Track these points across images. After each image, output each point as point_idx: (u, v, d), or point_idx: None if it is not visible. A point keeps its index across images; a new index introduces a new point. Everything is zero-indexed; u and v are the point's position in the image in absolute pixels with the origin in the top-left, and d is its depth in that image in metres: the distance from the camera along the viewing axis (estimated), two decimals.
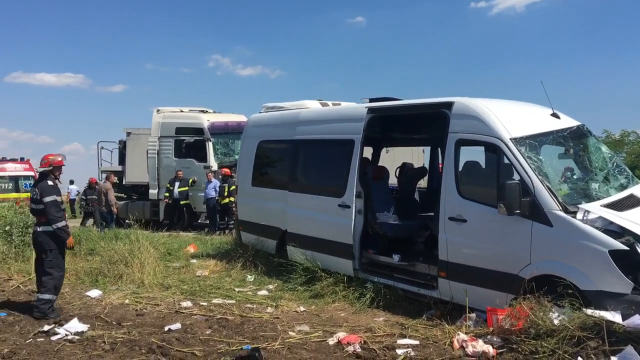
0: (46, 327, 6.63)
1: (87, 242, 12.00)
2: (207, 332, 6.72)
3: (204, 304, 8.09)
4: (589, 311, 5.44)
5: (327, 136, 8.98)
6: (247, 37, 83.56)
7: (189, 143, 19.17)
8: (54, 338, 6.33)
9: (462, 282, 6.86)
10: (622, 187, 6.69)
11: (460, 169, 7.07)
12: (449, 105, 7.20)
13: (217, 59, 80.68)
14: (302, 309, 7.80)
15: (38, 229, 7.44)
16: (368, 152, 10.79)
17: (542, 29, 73.03)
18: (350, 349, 5.99)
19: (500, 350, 5.65)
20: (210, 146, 18.63)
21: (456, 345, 5.96)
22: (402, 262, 8.05)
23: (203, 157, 18.69)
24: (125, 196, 21.72)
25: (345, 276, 8.43)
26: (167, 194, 18.62)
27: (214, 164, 18.42)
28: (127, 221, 19.17)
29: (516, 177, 6.33)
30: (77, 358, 5.59)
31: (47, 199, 7.31)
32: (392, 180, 10.05)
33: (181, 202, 18.49)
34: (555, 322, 5.57)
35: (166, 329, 6.80)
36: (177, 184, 18.44)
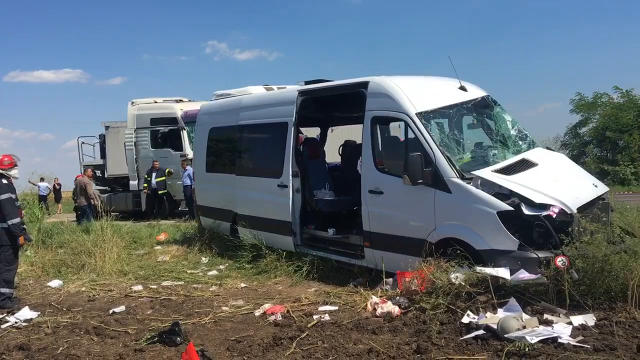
0: None
1: (57, 235, 12.48)
2: (148, 312, 7.22)
3: (154, 287, 8.60)
4: (479, 269, 5.91)
5: (265, 120, 9.41)
6: (242, 21, 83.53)
7: (165, 133, 19.59)
8: (3, 326, 6.84)
9: (383, 249, 7.34)
10: (519, 152, 7.11)
11: (377, 144, 7.49)
12: (365, 84, 7.61)
13: (213, 44, 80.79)
14: (243, 285, 8.32)
15: None
16: (314, 133, 11.25)
17: None
18: (272, 318, 6.49)
19: (405, 310, 6.14)
20: (185, 135, 19.02)
21: (369, 307, 6.46)
22: (337, 235, 8.52)
23: (179, 146, 19.13)
24: (109, 189, 22.30)
25: (288, 252, 8.92)
26: (145, 185, 19.11)
27: (189, 153, 18.79)
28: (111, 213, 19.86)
29: (420, 149, 6.74)
30: (17, 341, 6.08)
31: (3, 196, 7.74)
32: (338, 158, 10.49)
33: (159, 192, 18.98)
34: (453, 281, 6.06)
35: (110, 311, 7.30)
36: (154, 174, 18.92)
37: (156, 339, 5.88)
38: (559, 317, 5.33)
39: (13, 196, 7.90)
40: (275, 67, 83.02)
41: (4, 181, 7.86)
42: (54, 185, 28.36)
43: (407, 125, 6.98)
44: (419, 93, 7.25)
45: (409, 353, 5.03)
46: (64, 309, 7.57)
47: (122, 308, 7.42)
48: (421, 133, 6.78)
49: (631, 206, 8.75)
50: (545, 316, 5.35)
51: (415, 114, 6.92)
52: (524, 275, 5.78)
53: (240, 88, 10.84)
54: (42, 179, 27.93)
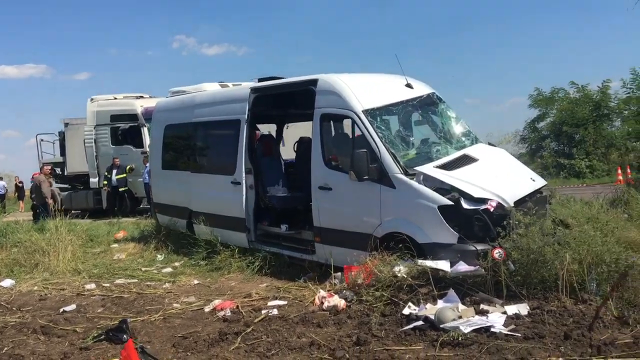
0: None
1: (12, 234, 12.27)
2: (99, 311, 7.22)
3: (107, 285, 8.58)
4: (420, 261, 6.10)
5: (218, 117, 9.46)
6: (210, 15, 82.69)
7: (125, 130, 19.35)
8: None
9: (333, 244, 7.49)
10: (462, 148, 7.34)
11: (325, 141, 7.62)
12: (314, 82, 7.73)
13: (181, 39, 79.79)
14: (196, 282, 8.38)
15: None
16: (270, 129, 11.33)
17: None
18: (221, 314, 6.57)
19: (351, 303, 6.29)
20: (145, 131, 18.80)
21: (317, 302, 6.58)
22: (289, 231, 8.64)
23: (139, 143, 18.91)
24: (69, 186, 21.96)
25: (242, 248, 9.00)
26: (105, 182, 18.92)
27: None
28: (72, 211, 19.61)
29: (367, 145, 6.89)
30: None
31: None
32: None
33: (120, 189, 18.80)
34: (397, 274, 6.24)
35: (61, 310, 7.27)
36: (114, 171, 18.74)
37: (103, 337, 5.90)
38: (495, 307, 5.54)
39: None
40: (244, 61, 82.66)
41: None
42: (16, 183, 27.82)
43: (354, 122, 7.13)
44: (366, 91, 7.40)
45: (349, 345, 5.17)
46: (14, 309, 7.50)
47: (73, 307, 7.39)
48: (367, 130, 6.93)
49: (575, 198, 9.07)
50: (482, 306, 5.55)
51: (362, 111, 7.07)
52: (463, 267, 6.00)
53: (195, 85, 10.83)
54: (0, 178, 27.40)
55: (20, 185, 27.87)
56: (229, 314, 6.54)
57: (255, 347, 5.33)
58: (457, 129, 7.80)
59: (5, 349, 5.75)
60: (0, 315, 7.21)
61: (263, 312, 6.44)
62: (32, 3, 76.20)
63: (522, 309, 5.42)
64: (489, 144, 8.10)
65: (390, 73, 8.11)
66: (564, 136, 26.13)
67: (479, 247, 6.08)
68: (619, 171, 20.53)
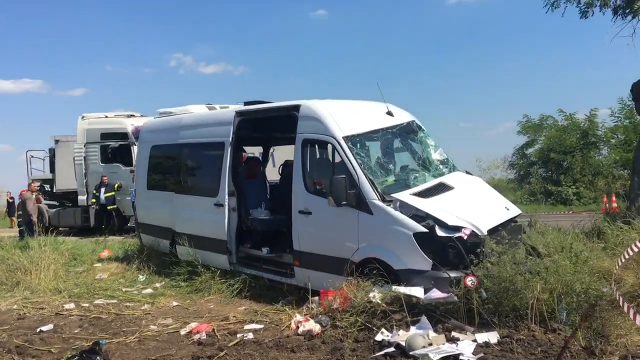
0: None
1: None
2: (75, 331, 7.21)
3: (86, 305, 8.57)
4: (394, 287, 6.16)
5: (203, 139, 9.56)
6: (208, 34, 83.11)
7: (115, 148, 19.43)
8: None
9: (312, 268, 7.55)
10: (439, 176, 7.46)
11: (307, 165, 7.73)
12: (297, 107, 7.86)
13: (178, 57, 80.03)
14: (175, 304, 8.39)
15: None
16: (256, 152, 11.44)
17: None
18: (197, 337, 6.59)
19: (326, 328, 6.33)
20: (135, 150, 18.89)
21: (292, 326, 6.60)
22: (270, 254, 8.69)
23: (129, 162, 18.96)
24: (58, 204, 21.92)
25: (223, 270, 9.03)
26: (94, 200, 18.92)
27: None
28: (59, 229, 19.58)
29: (346, 171, 7.00)
30: None
31: None
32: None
33: (108, 207, 18.81)
34: (372, 299, 6.29)
35: (38, 330, 7.26)
36: (102, 189, 18.76)
37: (76, 358, 5.90)
38: (466, 334, 5.60)
39: None
40: (241, 81, 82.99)
41: None
42: (7, 199, 27.76)
43: (334, 148, 7.24)
44: (347, 117, 7.53)
45: None
46: None
47: (50, 326, 7.39)
48: (347, 156, 7.05)
49: (553, 227, 9.17)
50: (453, 334, 5.61)
51: (342, 137, 7.19)
52: (436, 294, 6.06)
53: (182, 107, 10.95)
54: None
55: (11, 200, 27.81)
56: (204, 337, 6.56)
57: None
58: (436, 156, 7.94)
59: None
60: None
61: (238, 335, 6.47)
62: (28, 18, 76.63)
63: (492, 337, 5.48)
64: (467, 172, 8.22)
65: (383, 97, 8.18)
66: (551, 163, 26.37)
67: (453, 274, 6.16)
68: (605, 199, 20.71)
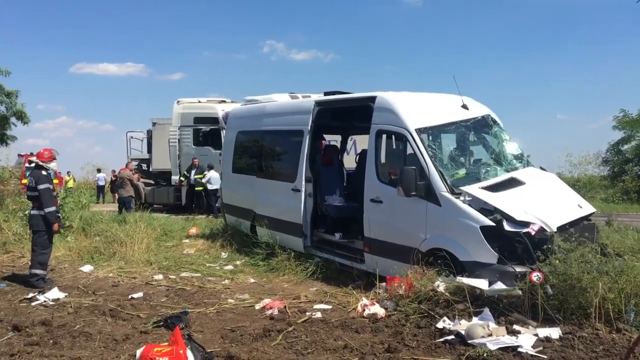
0: (30, 295, 7.96)
1: (96, 224, 13.41)
2: (162, 300, 7.91)
3: (173, 277, 9.32)
4: (459, 278, 6.30)
5: (284, 127, 10.02)
6: (301, 21, 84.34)
7: (206, 132, 20.44)
8: (33, 303, 7.66)
9: (380, 255, 7.81)
10: (511, 171, 7.44)
11: (380, 156, 7.97)
12: (373, 99, 8.10)
13: (271, 44, 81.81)
14: (252, 280, 8.95)
15: (32, 212, 8.79)
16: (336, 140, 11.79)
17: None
18: (269, 312, 7.06)
19: (390, 313, 6.59)
20: (224, 134, 19.82)
21: (359, 309, 6.92)
22: (343, 239, 9.04)
23: (219, 145, 19.91)
24: (153, 182, 23.43)
25: (298, 252, 9.50)
26: (182, 179, 20.06)
27: None
28: (154, 205, 20.98)
29: (417, 163, 7.17)
30: (42, 317, 6.85)
31: (41, 186, 8.59)
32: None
33: (196, 188, 19.86)
34: (436, 288, 6.48)
35: (129, 297, 8.03)
36: (193, 171, 19.84)
37: (162, 323, 6.53)
38: (528, 328, 5.67)
39: (50, 187, 8.73)
40: (330, 68, 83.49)
41: (44, 172, 8.70)
42: (111, 177, 29.94)
43: (406, 139, 7.42)
44: (421, 110, 7.68)
45: (380, 351, 5.49)
46: (90, 292, 8.32)
47: (140, 294, 8.12)
48: (418, 148, 7.22)
49: (634, 227, 8.85)
50: (515, 327, 5.70)
51: (415, 129, 7.36)
52: (500, 287, 6.14)
53: (266, 95, 11.47)
54: (99, 170, 29.66)
55: (114, 179, 29.95)
56: (276, 313, 7.01)
57: (293, 345, 5.76)
58: (509, 151, 7.91)
59: (77, 326, 6.48)
60: (77, 296, 8.04)
61: (307, 314, 6.87)
62: (135, 5, 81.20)
63: (554, 332, 5.52)
64: (541, 168, 8.13)
65: (459, 90, 8.24)
66: None
67: (518, 269, 6.20)
68: None
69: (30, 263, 8.85)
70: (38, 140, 69.68)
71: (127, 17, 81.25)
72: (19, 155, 19.47)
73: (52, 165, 8.88)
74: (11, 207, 13.34)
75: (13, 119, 18.13)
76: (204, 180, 19.42)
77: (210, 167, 19.69)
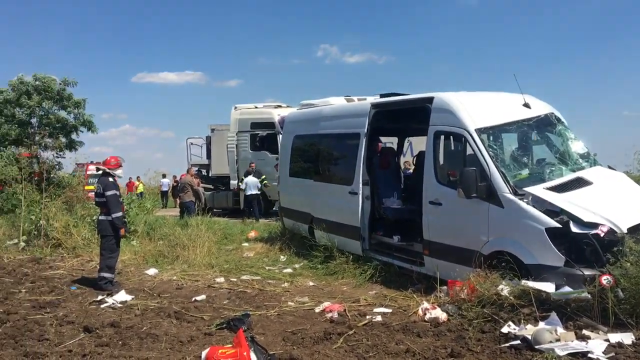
0: (99, 297, 8.30)
1: (159, 229, 13.84)
2: (224, 302, 8.07)
3: (234, 279, 9.50)
4: (524, 282, 6.13)
5: (340, 130, 10.05)
6: (354, 24, 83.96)
7: (262, 137, 20.76)
8: (102, 305, 7.97)
9: (440, 258, 7.70)
10: (577, 170, 7.17)
11: (438, 157, 7.87)
12: (430, 100, 8.00)
13: (325, 48, 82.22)
14: (311, 284, 9.01)
15: (100, 218, 9.16)
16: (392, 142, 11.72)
17: None
18: (329, 315, 7.08)
19: (452, 317, 6.48)
20: (280, 139, 20.06)
21: (420, 313, 6.84)
22: (401, 242, 8.97)
23: (275, 150, 20.17)
24: (213, 187, 23.97)
25: (356, 255, 9.49)
26: (240, 184, 20.40)
27: None
28: (213, 209, 21.46)
29: (477, 164, 7.03)
30: (111, 319, 7.12)
31: (109, 192, 8.93)
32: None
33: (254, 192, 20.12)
34: (500, 292, 6.32)
35: (193, 299, 8.23)
36: (250, 175, 20.14)
37: (225, 325, 6.66)
38: (598, 334, 5.45)
39: (117, 193, 9.06)
40: (384, 70, 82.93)
41: (110, 179, 9.04)
42: (173, 182, 30.86)
43: (466, 140, 7.29)
44: (481, 110, 7.52)
45: (444, 356, 5.41)
46: (155, 294, 8.58)
47: (203, 297, 8.31)
48: (478, 148, 7.07)
49: None
50: (584, 332, 5.49)
51: (475, 129, 7.22)
52: (567, 290, 5.93)
53: (322, 99, 11.54)
54: (164, 176, 30.67)
55: (176, 184, 30.87)
56: (336, 316, 7.02)
57: (355, 348, 5.75)
58: (575, 150, 7.62)
59: (144, 328, 6.70)
60: (143, 299, 8.31)
61: (367, 317, 6.84)
62: (193, 15, 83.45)
63: (626, 338, 5.29)
64: (609, 167, 7.80)
65: (520, 89, 8.00)
66: None
67: (587, 272, 5.98)
68: None
69: (98, 267, 9.21)
70: (103, 148, 72.74)
71: (185, 27, 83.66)
72: (77, 164, 20.38)
73: (119, 172, 9.20)
74: (80, 213, 13.93)
75: (82, 128, 18.98)
76: (241, 187, 19.81)
77: (248, 173, 20.02)
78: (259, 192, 19.73)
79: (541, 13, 72.50)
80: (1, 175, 15.41)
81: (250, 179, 19.51)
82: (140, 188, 31.59)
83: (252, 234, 14.45)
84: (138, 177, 32.28)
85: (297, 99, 21.49)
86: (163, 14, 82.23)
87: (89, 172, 24.18)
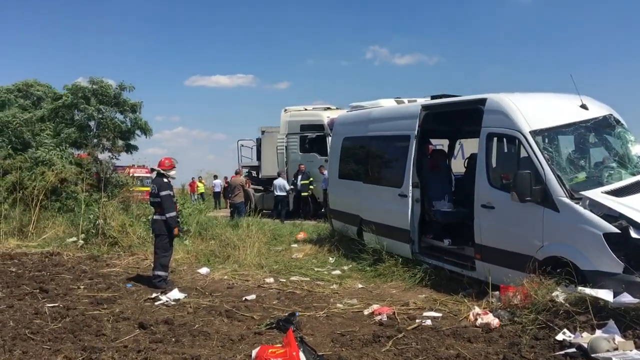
0: (153, 295, 8.54)
1: (211, 229, 14.12)
2: (274, 302, 8.16)
3: (283, 280, 9.60)
4: (580, 289, 5.95)
5: (390, 132, 10.01)
6: (404, 25, 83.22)
7: (312, 139, 20.89)
8: (157, 303, 8.20)
9: (493, 262, 7.55)
10: (638, 174, 6.89)
11: (491, 160, 7.72)
12: (483, 101, 7.87)
13: (374, 49, 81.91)
14: (360, 286, 9.00)
15: (154, 217, 9.43)
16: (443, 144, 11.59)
17: None
18: (378, 318, 7.06)
19: (505, 323, 6.35)
20: (329, 141, 20.12)
21: (471, 318, 6.74)
22: (452, 246, 8.84)
23: (324, 151, 20.27)
24: (262, 189, 24.27)
25: (405, 258, 9.42)
26: (292, 187, 20.59)
27: None
28: (263, 211, 21.73)
29: (532, 166, 6.86)
30: (165, 316, 7.32)
31: (163, 193, 9.19)
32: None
33: (302, 194, 20.29)
34: (555, 299, 6.16)
35: (243, 298, 8.37)
36: (299, 177, 20.32)
37: (274, 325, 6.74)
38: None
39: (171, 193, 9.31)
40: (435, 71, 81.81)
41: (165, 180, 9.28)
42: (224, 184, 31.47)
43: (520, 142, 7.14)
44: (535, 111, 7.34)
45: None
46: (207, 293, 8.76)
47: (253, 297, 8.43)
48: (533, 151, 6.91)
49: None
50: None
51: (529, 132, 7.05)
52: (627, 299, 5.71)
53: (372, 101, 11.52)
54: (216, 177, 31.37)
55: (227, 185, 31.46)
56: (385, 319, 7.00)
57: (403, 352, 5.72)
58: (635, 153, 7.33)
59: (197, 325, 6.85)
60: (195, 297, 8.50)
61: (417, 321, 6.79)
62: (244, 19, 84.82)
63: None
64: None
65: (577, 89, 7.73)
66: None
67: None
68: None
69: (153, 265, 9.48)
70: (157, 149, 74.67)
71: (236, 32, 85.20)
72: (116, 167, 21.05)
73: (172, 173, 9.43)
74: (135, 213, 14.38)
75: (137, 132, 19.58)
76: (272, 188, 20.05)
77: (278, 175, 20.19)
78: (286, 194, 20.22)
79: (594, 10, 69.97)
80: (62, 174, 16.03)
81: (279, 181, 19.78)
82: (201, 188, 32.44)
83: (301, 235, 14.56)
84: (200, 177, 33.24)
85: (347, 101, 21.53)
86: (216, 20, 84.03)
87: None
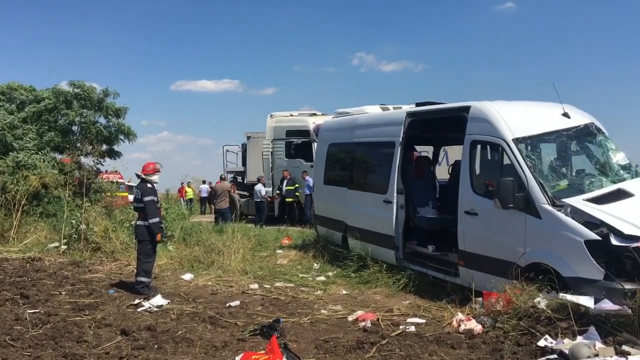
0: (136, 301, 8.46)
1: (196, 234, 14.03)
2: (258, 309, 8.13)
3: (267, 286, 9.56)
4: (562, 295, 6.01)
5: (375, 139, 10.06)
6: (390, 33, 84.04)
7: (297, 144, 20.86)
8: (139, 309, 8.12)
9: (476, 269, 7.60)
10: (618, 182, 6.99)
11: (474, 167, 7.79)
12: (467, 109, 7.94)
13: (361, 56, 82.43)
14: (344, 292, 9.00)
15: (137, 223, 9.36)
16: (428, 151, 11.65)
17: None
18: (362, 324, 7.07)
19: (487, 329, 6.39)
20: (315, 147, 20.15)
21: (454, 324, 6.77)
22: (436, 252, 8.89)
23: (310, 157, 20.28)
24: (248, 194, 24.19)
25: (390, 264, 9.46)
26: (278, 192, 20.58)
27: None
28: (248, 216, 21.67)
29: (514, 174, 6.93)
30: (147, 323, 7.26)
31: (147, 198, 9.11)
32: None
33: (286, 200, 20.27)
34: (537, 305, 6.21)
35: (227, 305, 8.32)
36: (284, 182, 20.30)
37: (258, 331, 6.71)
38: (639, 349, 5.30)
39: (155, 198, 9.23)
40: (420, 79, 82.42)
41: (148, 185, 9.21)
42: (209, 189, 31.37)
43: (503, 150, 7.21)
44: (518, 119, 7.42)
45: None
46: (190, 299, 8.70)
47: (237, 303, 8.39)
48: (516, 158, 6.98)
49: None
50: (624, 347, 5.34)
51: (512, 139, 7.13)
52: (607, 305, 5.78)
53: (357, 107, 11.57)
54: (203, 182, 31.25)
55: (211, 190, 31.36)
56: (369, 325, 7.00)
57: (387, 358, 5.74)
58: (616, 161, 7.44)
59: (180, 332, 6.81)
60: (179, 303, 8.43)
61: (401, 327, 6.81)
62: (231, 24, 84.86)
63: None
64: None
65: (560, 98, 7.83)
66: None
67: (627, 286, 5.81)
68: None
69: (135, 271, 9.40)
70: (142, 154, 74.33)
71: (223, 37, 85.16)
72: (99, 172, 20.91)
73: (154, 177, 9.34)
74: (119, 218, 14.26)
75: (121, 137, 19.44)
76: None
77: (258, 180, 20.25)
78: (262, 199, 20.38)
79: (579, 20, 70.99)
80: (44, 179, 15.83)
81: (258, 186, 19.88)
82: (190, 194, 32.27)
83: (286, 241, 14.53)
84: (189, 182, 33.06)
85: (332, 107, 21.63)
86: (203, 24, 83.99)
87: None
